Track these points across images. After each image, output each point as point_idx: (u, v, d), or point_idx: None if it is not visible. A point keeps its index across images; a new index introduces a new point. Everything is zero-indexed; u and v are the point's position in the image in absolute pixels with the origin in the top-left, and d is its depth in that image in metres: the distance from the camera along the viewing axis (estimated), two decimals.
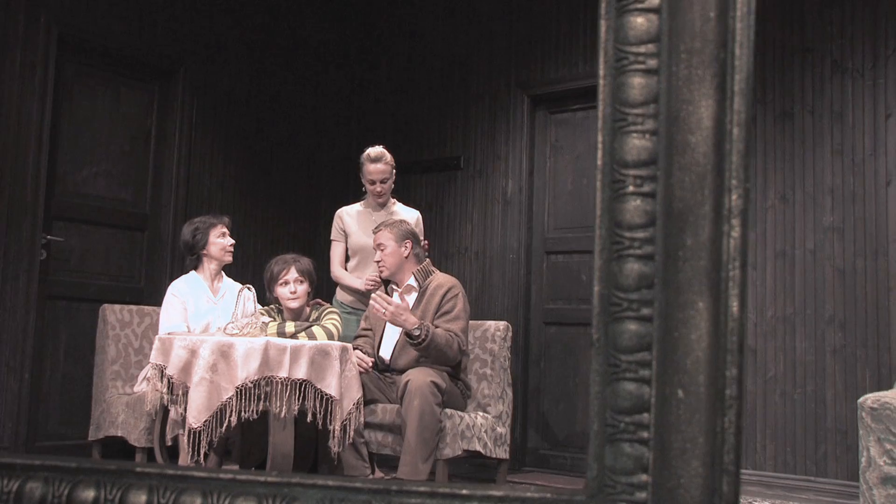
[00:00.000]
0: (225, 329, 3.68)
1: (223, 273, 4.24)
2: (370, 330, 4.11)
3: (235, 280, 4.27)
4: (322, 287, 4.59)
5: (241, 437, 3.85)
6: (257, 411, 3.36)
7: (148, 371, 3.67)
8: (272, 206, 5.80)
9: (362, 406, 3.67)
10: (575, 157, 5.34)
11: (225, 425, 3.31)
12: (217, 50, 5.51)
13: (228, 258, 4.19)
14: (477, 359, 4.18)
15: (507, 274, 5.40)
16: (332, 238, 4.52)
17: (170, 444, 3.73)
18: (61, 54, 4.75)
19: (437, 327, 3.84)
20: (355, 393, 3.60)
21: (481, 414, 4.00)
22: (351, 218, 4.47)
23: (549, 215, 5.42)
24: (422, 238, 4.28)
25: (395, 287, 4.07)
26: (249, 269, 5.08)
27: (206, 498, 0.87)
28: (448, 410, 3.79)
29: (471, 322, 4.15)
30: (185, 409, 3.34)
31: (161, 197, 5.25)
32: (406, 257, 4.01)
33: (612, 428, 0.77)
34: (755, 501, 4.08)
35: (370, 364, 3.94)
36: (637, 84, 0.77)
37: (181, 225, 4.44)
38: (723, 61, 0.75)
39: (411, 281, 4.03)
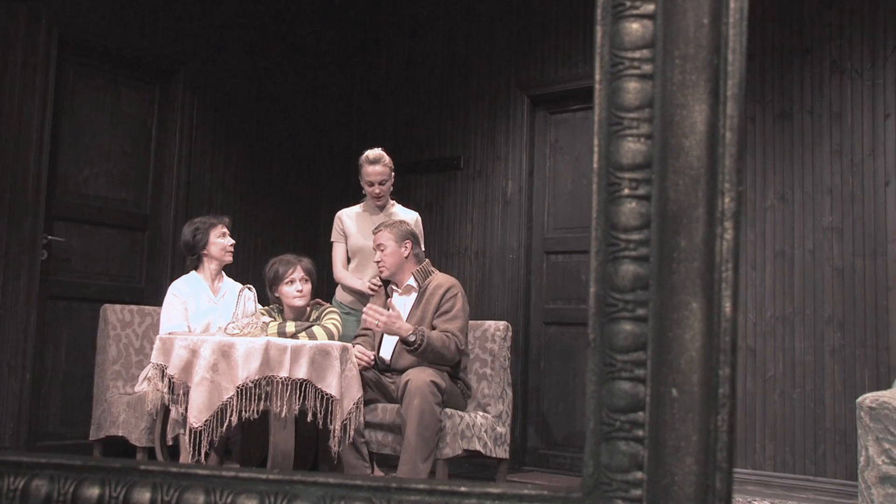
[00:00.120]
0: (225, 329, 3.69)
1: (223, 273, 4.25)
2: (369, 330, 4.11)
3: (236, 280, 4.28)
4: (322, 287, 4.60)
5: (242, 436, 3.86)
6: (258, 411, 3.37)
7: (149, 371, 3.68)
8: (272, 206, 5.81)
9: (362, 405, 3.68)
10: (575, 158, 5.35)
11: (226, 425, 3.32)
12: (217, 50, 5.52)
13: (229, 258, 4.20)
14: (477, 359, 4.19)
15: (506, 274, 5.41)
16: (332, 240, 4.53)
17: (171, 443, 3.74)
18: (62, 55, 4.76)
19: (434, 328, 3.85)
20: (355, 392, 3.61)
21: (481, 413, 4.01)
22: (350, 219, 4.48)
23: (548, 215, 5.43)
24: (422, 239, 4.29)
25: (394, 287, 4.09)
26: (250, 269, 5.08)
27: (208, 495, 0.88)
28: (448, 410, 3.80)
29: (471, 322, 4.15)
30: (186, 409, 3.35)
31: (161, 197, 5.26)
32: (406, 257, 4.02)
33: (608, 426, 0.78)
34: (754, 501, 4.09)
35: (371, 358, 3.95)
36: (632, 89, 0.79)
37: (182, 225, 4.44)
38: (716, 67, 0.76)
39: (411, 281, 4.04)
